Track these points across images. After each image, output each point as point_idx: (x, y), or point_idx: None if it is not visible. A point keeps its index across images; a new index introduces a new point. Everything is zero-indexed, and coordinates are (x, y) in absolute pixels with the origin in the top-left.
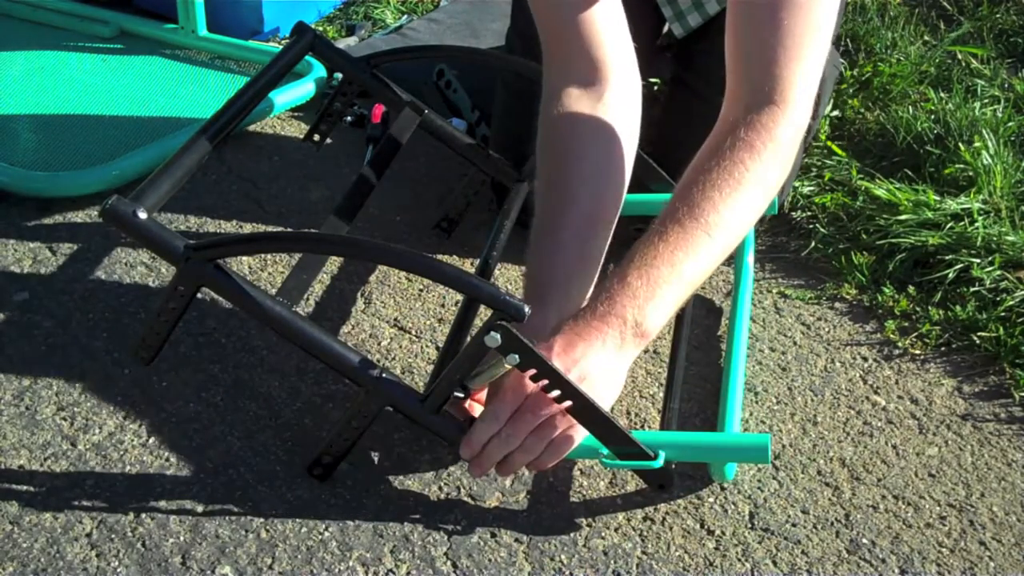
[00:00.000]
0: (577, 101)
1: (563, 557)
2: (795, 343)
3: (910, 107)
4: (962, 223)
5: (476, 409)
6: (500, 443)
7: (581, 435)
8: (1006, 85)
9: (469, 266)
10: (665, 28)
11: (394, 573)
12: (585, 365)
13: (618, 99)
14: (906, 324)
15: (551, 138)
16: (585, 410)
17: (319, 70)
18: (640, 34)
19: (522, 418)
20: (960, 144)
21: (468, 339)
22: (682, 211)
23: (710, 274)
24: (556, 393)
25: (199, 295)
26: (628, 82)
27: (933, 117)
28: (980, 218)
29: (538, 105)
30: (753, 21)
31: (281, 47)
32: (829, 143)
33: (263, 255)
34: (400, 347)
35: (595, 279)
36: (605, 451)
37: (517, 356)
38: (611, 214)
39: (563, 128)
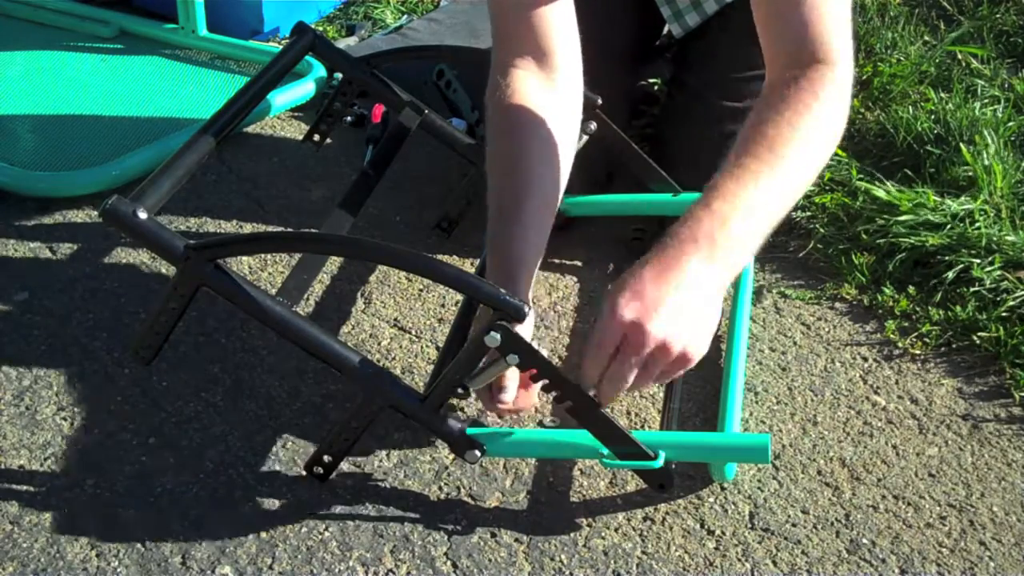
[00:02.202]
0: (530, 83)
1: (563, 557)
2: (795, 343)
3: (910, 107)
4: (962, 223)
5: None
6: (611, 382)
7: (694, 353)
8: (1006, 85)
9: (469, 266)
10: (665, 29)
11: (394, 573)
12: (679, 296)
13: (566, 89)
14: (906, 324)
15: (507, 117)
16: (585, 410)
17: (319, 70)
18: (639, 34)
19: (625, 360)
20: (960, 144)
21: (468, 339)
22: (758, 144)
23: (791, 206)
24: (556, 393)
25: (199, 295)
26: (575, 79)
27: (933, 117)
28: (980, 218)
29: None
30: None
31: (281, 47)
32: None
33: (263, 255)
34: (400, 347)
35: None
36: (605, 451)
37: (517, 356)
38: (559, 192)
39: (519, 108)
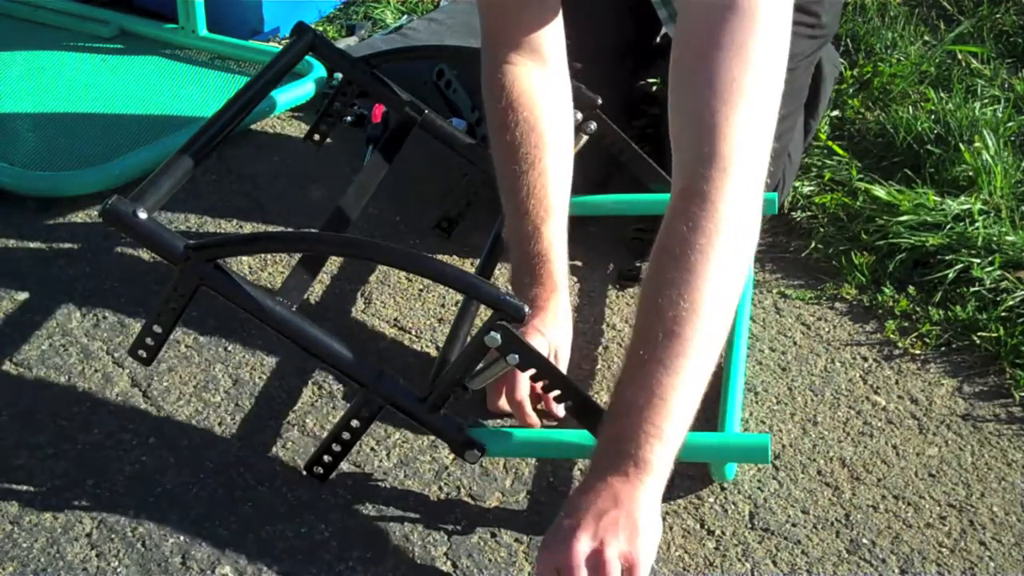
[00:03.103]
0: (525, 75)
1: None
2: (795, 343)
3: (910, 107)
4: (962, 223)
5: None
6: None
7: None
8: (1006, 85)
9: (469, 266)
10: (662, 30)
11: (394, 573)
12: (635, 517)
13: (558, 80)
14: (906, 324)
15: (509, 108)
16: (585, 409)
17: (319, 70)
18: (638, 35)
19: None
20: (960, 144)
21: (468, 339)
22: (655, 328)
23: (712, 370)
24: (556, 393)
25: (199, 295)
26: (564, 72)
27: (933, 117)
28: (980, 218)
29: None
30: (681, 71)
31: (281, 47)
32: (830, 143)
33: (263, 255)
34: (400, 347)
35: None
36: None
37: (517, 356)
38: (569, 181)
39: (520, 98)
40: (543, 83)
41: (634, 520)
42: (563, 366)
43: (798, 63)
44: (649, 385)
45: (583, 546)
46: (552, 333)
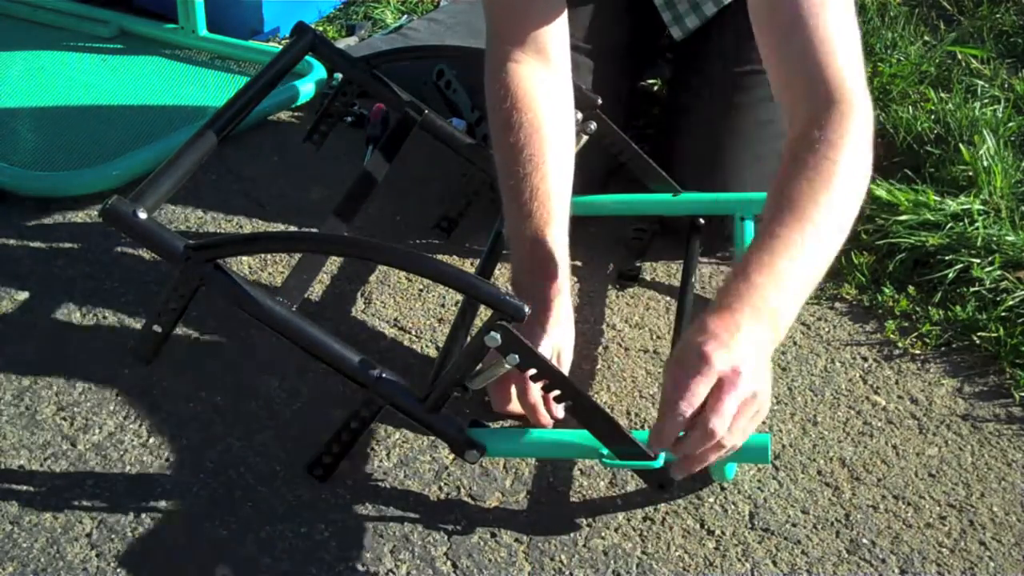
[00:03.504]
0: (531, 73)
1: (563, 557)
2: (795, 343)
3: (910, 107)
4: (962, 223)
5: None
6: (704, 431)
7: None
8: (1006, 85)
9: (469, 266)
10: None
11: (394, 573)
12: (755, 352)
13: (562, 79)
14: (906, 324)
15: (513, 107)
16: (585, 409)
17: (319, 70)
18: (639, 36)
19: (724, 400)
20: (960, 144)
21: (468, 339)
22: (787, 213)
23: (825, 269)
24: (556, 393)
25: (199, 295)
26: (567, 72)
27: (933, 117)
28: (980, 218)
29: None
30: (780, 32)
31: (281, 47)
32: None
33: (263, 255)
34: (400, 347)
35: None
36: (605, 451)
37: (517, 356)
38: (571, 176)
39: (525, 96)
40: (547, 83)
41: (762, 361)
42: (565, 367)
43: None
44: (773, 266)
45: (721, 364)
46: (555, 333)
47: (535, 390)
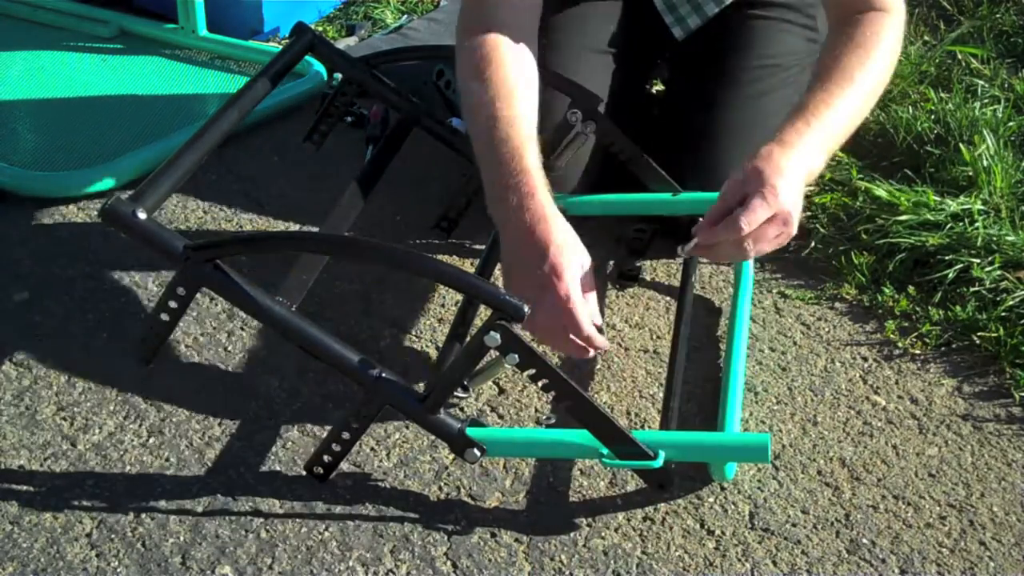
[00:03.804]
0: (499, 39)
1: (563, 557)
2: (795, 343)
3: (910, 107)
4: (962, 223)
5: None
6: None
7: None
8: (1006, 85)
9: (469, 266)
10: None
11: (394, 573)
12: (801, 191)
13: (527, 50)
14: (906, 324)
15: (481, 67)
16: (585, 409)
17: (319, 70)
18: (639, 36)
19: (770, 230)
20: (960, 144)
21: (468, 339)
22: (835, 72)
23: (859, 122)
24: (555, 393)
25: (199, 295)
26: (533, 46)
27: (933, 117)
28: (980, 218)
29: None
30: None
31: (281, 47)
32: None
33: (262, 255)
34: (400, 347)
35: None
36: (605, 451)
37: (517, 356)
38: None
39: (492, 55)
40: (514, 49)
41: (801, 191)
42: (593, 300)
43: (798, 61)
44: (821, 115)
45: (783, 196)
46: (584, 256)
47: (585, 321)
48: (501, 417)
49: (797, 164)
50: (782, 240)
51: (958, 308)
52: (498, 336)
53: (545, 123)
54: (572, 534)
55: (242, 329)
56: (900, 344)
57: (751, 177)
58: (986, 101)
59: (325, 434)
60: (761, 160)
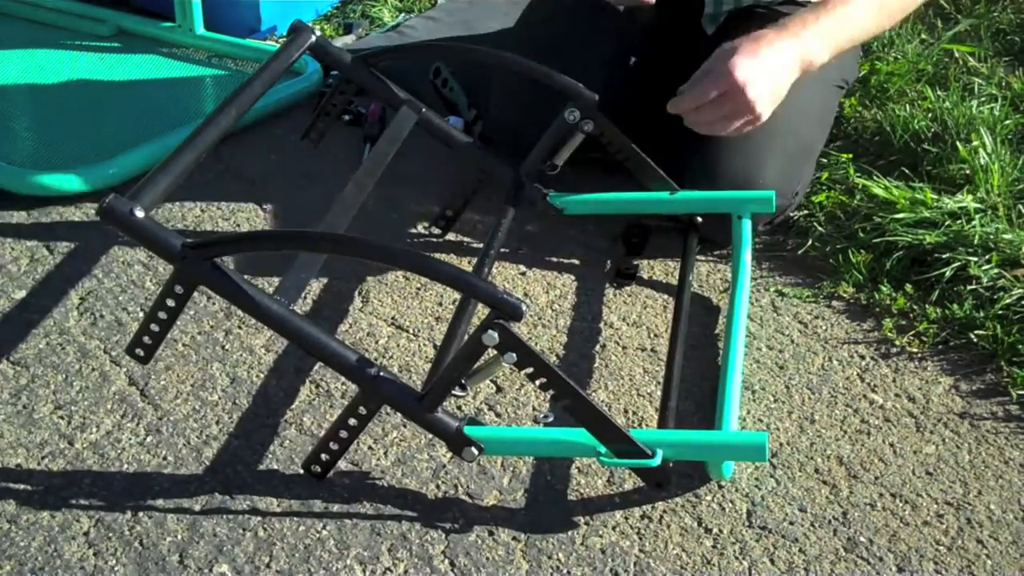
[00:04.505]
0: None
1: (561, 555)
2: (792, 341)
3: (907, 105)
4: (959, 221)
5: None
6: (699, 114)
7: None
8: (1003, 83)
9: (467, 264)
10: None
11: (391, 571)
12: (776, 76)
13: None
14: (903, 322)
15: None
16: (583, 408)
17: (316, 69)
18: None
19: (723, 105)
20: (957, 142)
21: (466, 337)
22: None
23: (884, 25)
24: (554, 391)
25: (196, 293)
26: None
27: (930, 115)
28: (977, 216)
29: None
30: None
31: (278, 45)
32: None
33: (260, 253)
34: (397, 345)
35: None
36: (603, 449)
37: (515, 355)
38: None
39: None
40: None
41: (775, 80)
42: None
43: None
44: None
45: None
46: None
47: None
48: (499, 416)
49: (786, 50)
50: (740, 123)
51: (955, 306)
52: (496, 335)
53: (544, 121)
54: (570, 532)
55: (239, 328)
56: (897, 342)
57: (719, 52)
58: (983, 99)
59: (323, 433)
60: (746, 38)
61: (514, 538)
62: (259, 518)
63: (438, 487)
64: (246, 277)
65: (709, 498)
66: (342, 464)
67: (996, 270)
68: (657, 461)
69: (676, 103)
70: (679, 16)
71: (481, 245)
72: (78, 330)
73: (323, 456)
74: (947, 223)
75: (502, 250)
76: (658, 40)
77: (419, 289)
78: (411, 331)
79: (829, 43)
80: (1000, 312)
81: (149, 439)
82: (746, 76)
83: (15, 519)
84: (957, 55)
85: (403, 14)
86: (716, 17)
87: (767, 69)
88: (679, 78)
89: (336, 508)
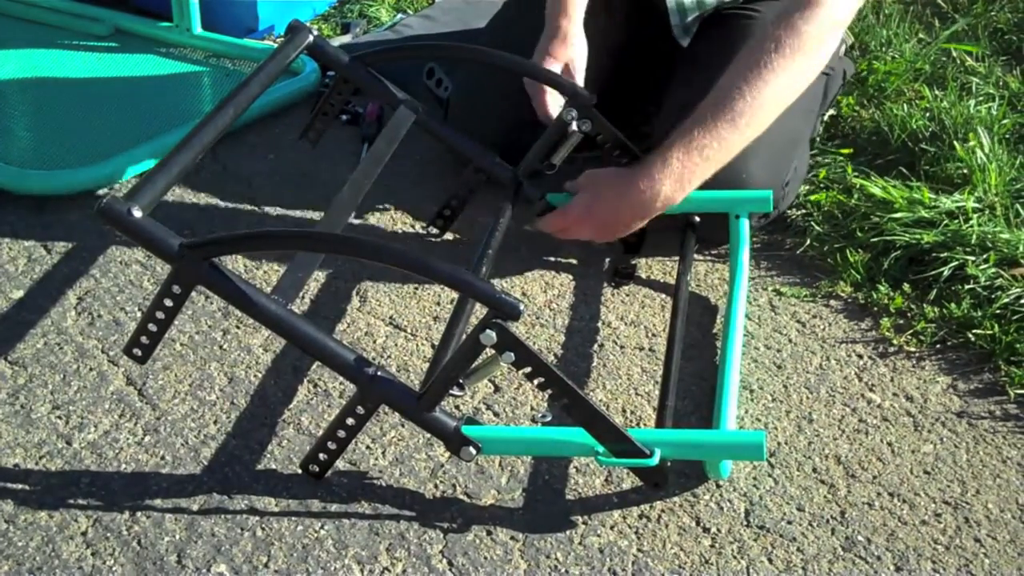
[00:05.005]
0: None
1: (559, 555)
2: (790, 341)
3: (905, 105)
4: (957, 221)
5: None
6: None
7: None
8: (1001, 83)
9: (465, 264)
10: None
11: (390, 571)
12: (622, 212)
13: None
14: (901, 322)
15: None
16: (581, 407)
17: (314, 68)
18: (638, 36)
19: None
20: (955, 142)
21: (464, 337)
22: (715, 102)
23: (737, 152)
24: (552, 391)
25: (194, 293)
26: None
27: (928, 115)
28: (975, 216)
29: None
30: None
31: (276, 45)
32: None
33: (258, 252)
34: (395, 345)
35: None
36: (601, 449)
37: (512, 354)
38: None
39: None
40: None
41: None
42: (579, 75)
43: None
44: (689, 133)
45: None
46: (563, 53)
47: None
48: (497, 415)
49: (635, 194)
50: (590, 234)
51: (953, 305)
52: (494, 334)
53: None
54: (568, 532)
55: (237, 327)
56: (895, 341)
57: (583, 177)
58: (981, 98)
59: (321, 432)
60: (613, 171)
61: (512, 537)
62: (257, 518)
63: (436, 487)
64: (244, 276)
65: (707, 497)
66: (340, 464)
67: (994, 269)
68: (655, 460)
69: (542, 222)
70: (649, 33)
71: (479, 245)
72: (76, 330)
73: (321, 456)
74: (945, 222)
75: (500, 249)
76: (633, 55)
77: (417, 289)
78: (409, 331)
79: (688, 183)
80: (998, 311)
81: (147, 439)
82: (580, 213)
83: (13, 519)
84: (955, 54)
85: (400, 13)
86: (687, 29)
87: (606, 208)
88: (658, 89)
89: (334, 508)
